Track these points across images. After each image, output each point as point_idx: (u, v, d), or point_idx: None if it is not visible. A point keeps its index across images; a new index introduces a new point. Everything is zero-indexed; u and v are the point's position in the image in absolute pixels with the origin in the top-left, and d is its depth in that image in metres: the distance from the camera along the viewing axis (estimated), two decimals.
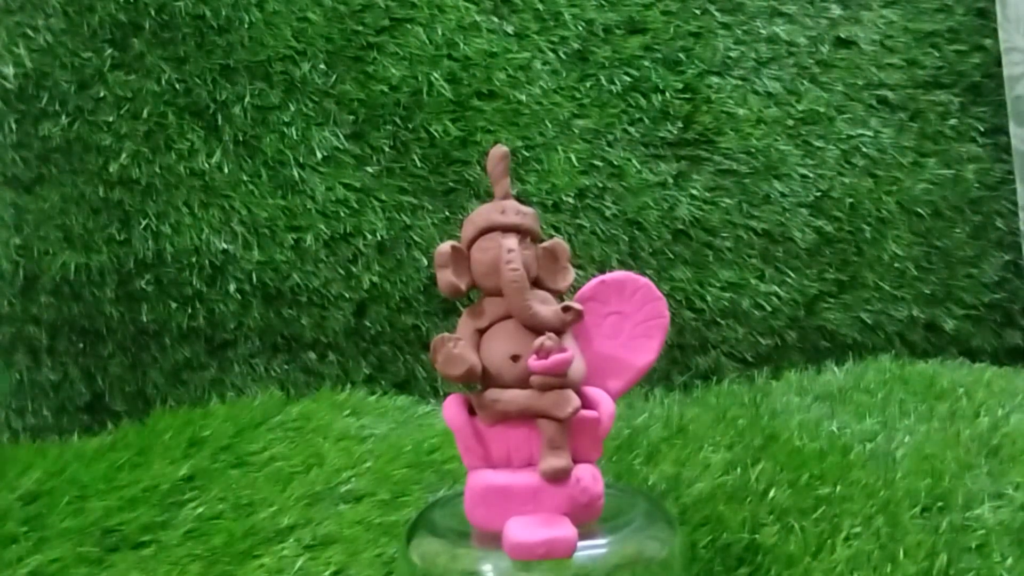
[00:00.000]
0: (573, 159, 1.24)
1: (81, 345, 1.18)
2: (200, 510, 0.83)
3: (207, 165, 1.19)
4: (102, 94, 1.19)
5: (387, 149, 1.22)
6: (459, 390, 0.54)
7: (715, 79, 1.31)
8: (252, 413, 1.03)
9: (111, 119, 1.19)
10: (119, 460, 0.91)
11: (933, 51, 1.37)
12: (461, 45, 1.25)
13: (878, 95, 1.35)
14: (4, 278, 1.17)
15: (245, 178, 1.20)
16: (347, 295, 1.20)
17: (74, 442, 1.02)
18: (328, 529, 0.80)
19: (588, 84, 1.28)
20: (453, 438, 0.52)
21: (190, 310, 1.18)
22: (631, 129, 1.27)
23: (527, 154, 1.24)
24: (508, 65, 1.25)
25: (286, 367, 1.21)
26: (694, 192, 1.27)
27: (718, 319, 1.26)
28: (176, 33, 1.21)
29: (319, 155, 1.21)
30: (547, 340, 0.48)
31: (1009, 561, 0.72)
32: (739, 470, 0.84)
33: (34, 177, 1.18)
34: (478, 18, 1.26)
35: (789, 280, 1.28)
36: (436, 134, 1.23)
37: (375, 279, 1.20)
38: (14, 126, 1.18)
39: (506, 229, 0.53)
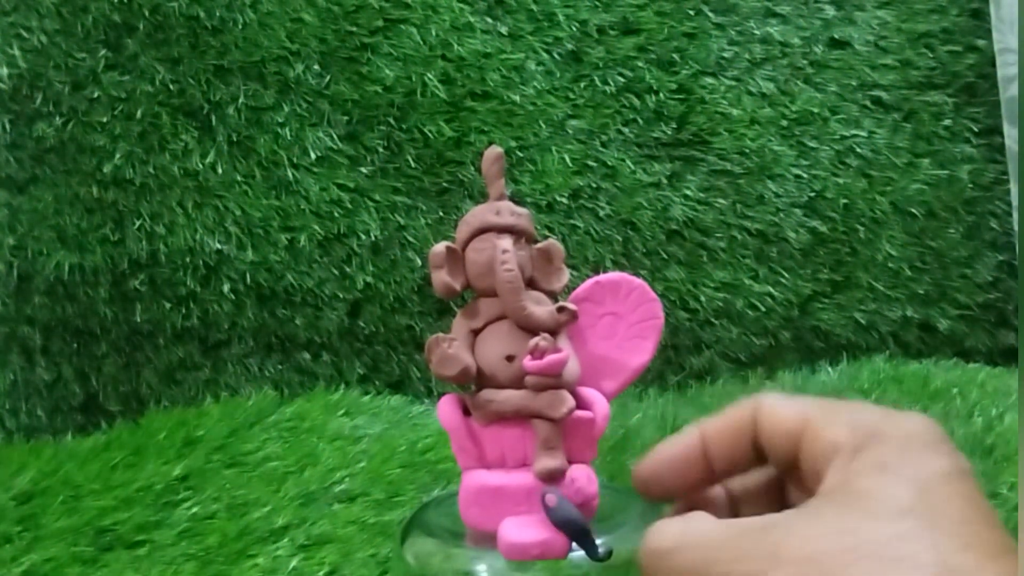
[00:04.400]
0: (567, 159, 1.24)
1: (75, 345, 1.18)
2: (194, 510, 0.83)
3: (201, 165, 1.19)
4: (96, 95, 1.19)
5: (381, 149, 1.22)
6: (453, 390, 0.54)
7: (709, 80, 1.31)
8: (246, 413, 1.03)
9: (105, 119, 1.19)
10: (113, 460, 0.91)
11: (927, 52, 1.37)
12: (455, 46, 1.25)
13: (872, 96, 1.35)
14: None
15: (239, 178, 1.20)
16: (341, 295, 1.20)
17: (68, 442, 1.02)
18: (322, 529, 0.80)
19: (582, 85, 1.28)
20: (447, 438, 0.52)
21: (184, 310, 1.18)
22: (625, 130, 1.28)
23: (521, 155, 1.24)
24: (502, 66, 1.25)
25: (280, 367, 1.21)
26: (688, 192, 1.27)
27: (712, 319, 1.26)
28: (170, 34, 1.21)
29: (313, 155, 1.21)
30: (542, 340, 0.48)
31: None
32: None
33: (28, 177, 1.18)
34: (472, 19, 1.26)
35: (783, 280, 1.28)
36: (430, 134, 1.23)
37: (369, 279, 1.20)
38: (8, 127, 1.18)
39: (501, 230, 0.53)
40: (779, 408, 0.39)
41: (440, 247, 0.53)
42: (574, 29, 1.28)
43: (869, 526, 0.31)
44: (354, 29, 1.23)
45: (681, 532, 0.37)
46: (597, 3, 1.30)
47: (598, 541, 0.44)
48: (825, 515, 0.33)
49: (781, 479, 0.42)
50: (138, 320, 1.18)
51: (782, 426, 0.38)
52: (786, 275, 1.28)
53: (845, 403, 0.38)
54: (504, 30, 1.27)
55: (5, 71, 1.18)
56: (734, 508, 0.43)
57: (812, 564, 0.32)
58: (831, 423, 0.36)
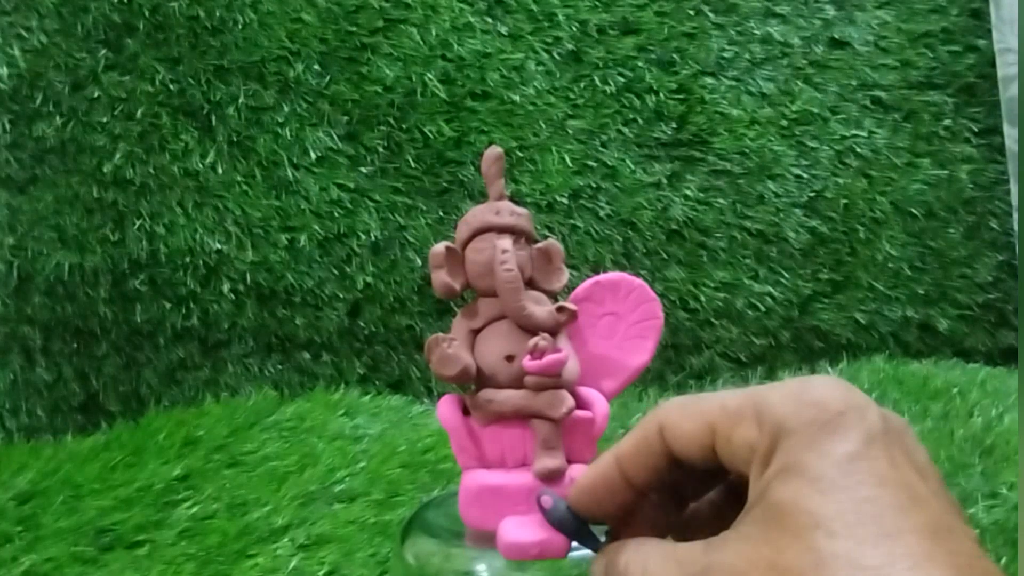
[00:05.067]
0: (567, 159, 1.24)
1: (75, 345, 1.18)
2: (194, 510, 0.83)
3: (201, 165, 1.19)
4: (96, 95, 1.19)
5: (381, 150, 1.22)
6: (454, 390, 0.54)
7: (709, 80, 1.31)
8: (246, 413, 1.03)
9: (105, 120, 1.19)
10: (113, 460, 0.91)
11: (927, 52, 1.37)
12: (455, 46, 1.25)
13: (872, 96, 1.35)
14: None
15: (239, 178, 1.20)
16: (341, 295, 1.20)
17: (68, 442, 1.02)
18: (322, 529, 0.80)
19: (582, 85, 1.28)
20: (447, 438, 0.52)
21: (184, 310, 1.18)
22: (625, 129, 1.28)
23: (521, 155, 1.24)
24: (502, 66, 1.25)
25: (280, 367, 1.21)
26: (688, 192, 1.27)
27: (712, 319, 1.26)
28: (170, 34, 1.21)
29: (313, 155, 1.21)
30: (541, 340, 0.48)
31: (1003, 560, 0.72)
32: None
33: (28, 177, 1.18)
34: (472, 19, 1.26)
35: (783, 280, 1.28)
36: (430, 134, 1.23)
37: (369, 279, 1.20)
38: (8, 127, 1.18)
39: (500, 230, 0.53)
40: (682, 425, 0.38)
41: (440, 247, 0.53)
42: (574, 29, 1.28)
43: (792, 552, 0.32)
44: (354, 29, 1.23)
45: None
46: (597, 3, 1.30)
47: (600, 539, 0.44)
48: (751, 540, 0.33)
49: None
50: (138, 320, 1.18)
51: (692, 443, 0.38)
52: (786, 275, 1.28)
53: (745, 394, 0.37)
54: (504, 30, 1.27)
55: (5, 71, 1.18)
56: (679, 503, 0.43)
57: None
58: (738, 423, 0.36)
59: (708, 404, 0.38)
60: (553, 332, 0.51)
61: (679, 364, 1.26)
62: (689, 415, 0.38)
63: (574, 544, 0.45)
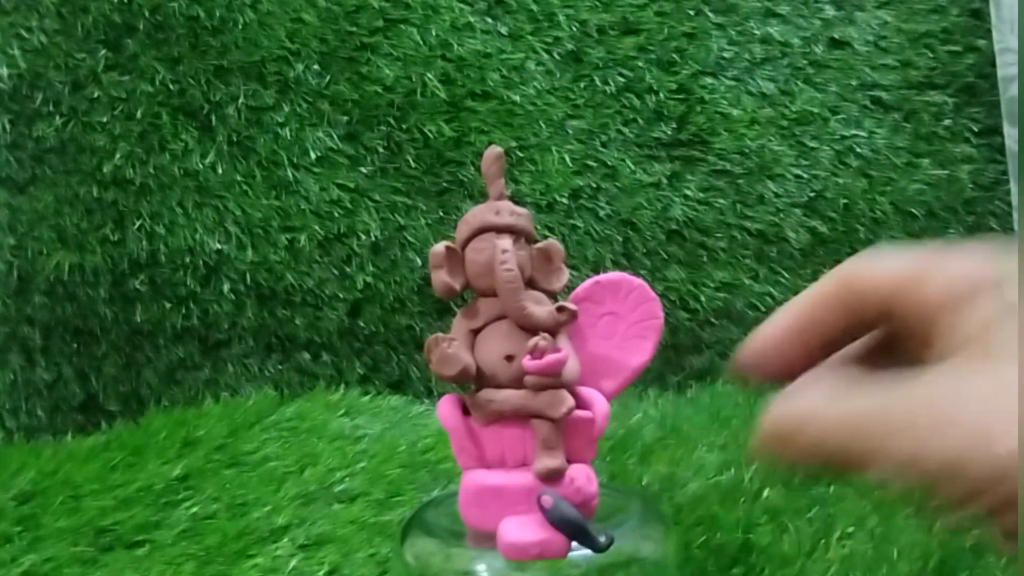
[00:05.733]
0: (567, 159, 1.24)
1: (75, 345, 1.18)
2: (194, 510, 0.83)
3: (201, 165, 1.19)
4: (96, 95, 1.19)
5: (381, 150, 1.22)
6: (453, 390, 0.54)
7: (709, 80, 1.31)
8: (246, 413, 1.03)
9: (105, 120, 1.19)
10: (113, 460, 0.91)
11: (927, 52, 1.37)
12: (455, 46, 1.25)
13: (872, 96, 1.35)
14: None
15: (239, 178, 1.20)
16: (341, 295, 1.20)
17: (68, 442, 1.02)
18: (322, 529, 0.80)
19: (582, 85, 1.28)
20: (447, 438, 0.52)
21: (184, 310, 1.18)
22: (625, 129, 1.28)
23: (521, 155, 1.24)
24: (502, 66, 1.25)
25: (280, 367, 1.21)
26: (688, 192, 1.27)
27: (712, 319, 1.26)
28: (170, 34, 1.21)
29: (313, 155, 1.21)
30: (541, 340, 0.48)
31: (1003, 561, 0.72)
32: (733, 470, 0.84)
33: (28, 177, 1.18)
34: (472, 19, 1.26)
35: (783, 280, 1.28)
36: (430, 135, 1.23)
37: (369, 279, 1.20)
38: (8, 127, 1.18)
39: (500, 230, 0.53)
40: (873, 272, 0.36)
41: (440, 247, 0.53)
42: (574, 29, 1.28)
43: (979, 378, 0.30)
44: (354, 29, 1.23)
45: (819, 404, 0.35)
46: (597, 3, 1.30)
47: (600, 538, 0.44)
48: (973, 368, 0.31)
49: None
50: (138, 320, 1.18)
51: (878, 291, 0.36)
52: (786, 275, 1.28)
53: (928, 256, 0.36)
54: (504, 30, 1.27)
55: (5, 71, 1.18)
56: None
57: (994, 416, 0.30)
58: (921, 284, 0.34)
59: (895, 261, 0.36)
60: (553, 332, 0.51)
61: (679, 364, 1.26)
62: (881, 264, 0.36)
63: (574, 544, 0.45)
